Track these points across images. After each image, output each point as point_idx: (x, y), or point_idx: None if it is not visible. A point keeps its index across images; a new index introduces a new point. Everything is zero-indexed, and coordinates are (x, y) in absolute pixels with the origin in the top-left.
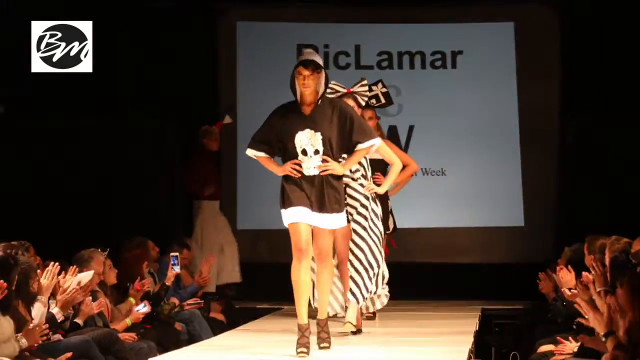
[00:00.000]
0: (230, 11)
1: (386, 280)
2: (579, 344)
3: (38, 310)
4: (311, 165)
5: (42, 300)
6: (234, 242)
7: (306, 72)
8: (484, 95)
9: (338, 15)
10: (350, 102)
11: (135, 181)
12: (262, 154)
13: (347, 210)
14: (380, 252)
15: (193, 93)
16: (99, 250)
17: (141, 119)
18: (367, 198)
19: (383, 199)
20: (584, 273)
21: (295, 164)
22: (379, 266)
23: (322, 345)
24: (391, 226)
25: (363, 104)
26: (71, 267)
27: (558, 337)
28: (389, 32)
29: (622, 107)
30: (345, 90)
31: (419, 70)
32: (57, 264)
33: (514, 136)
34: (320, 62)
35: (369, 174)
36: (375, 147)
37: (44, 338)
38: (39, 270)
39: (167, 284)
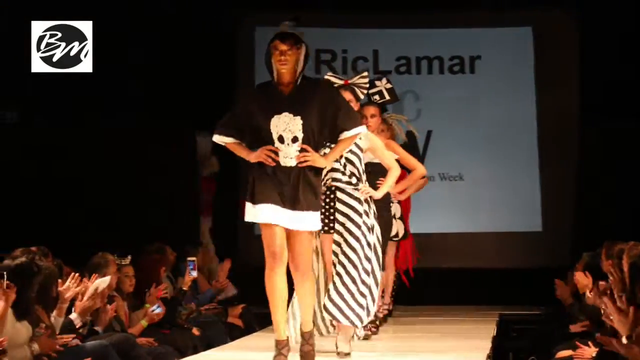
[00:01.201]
0: (249, 16)
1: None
2: (597, 349)
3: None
4: (288, 155)
5: (60, 307)
6: None
7: (283, 47)
8: (502, 100)
9: (356, 20)
10: (348, 95)
11: (152, 188)
12: (230, 140)
13: (337, 218)
14: (374, 264)
15: (210, 98)
16: (116, 256)
17: (159, 124)
18: (362, 204)
19: (384, 205)
20: (601, 282)
21: (270, 149)
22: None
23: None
24: (400, 232)
25: (362, 97)
26: (93, 275)
27: (577, 342)
28: (407, 37)
29: None
30: (342, 82)
31: (437, 75)
32: (77, 274)
33: (533, 141)
34: (301, 36)
35: (364, 177)
36: (361, 135)
37: (61, 344)
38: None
39: (184, 288)
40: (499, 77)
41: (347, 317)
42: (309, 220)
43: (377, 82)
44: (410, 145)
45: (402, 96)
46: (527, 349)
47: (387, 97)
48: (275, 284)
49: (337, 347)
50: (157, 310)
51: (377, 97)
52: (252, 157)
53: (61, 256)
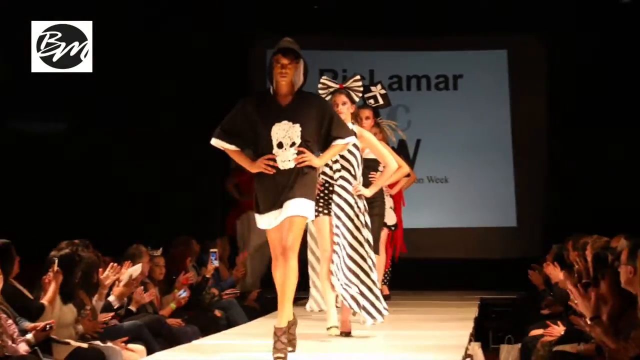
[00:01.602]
0: (260, 40)
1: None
2: (565, 328)
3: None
4: (286, 158)
5: (100, 292)
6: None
7: (285, 61)
8: (481, 113)
9: (354, 44)
10: (343, 98)
11: (181, 188)
12: (232, 147)
13: (333, 211)
14: (365, 256)
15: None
16: (149, 248)
17: (185, 136)
18: (355, 200)
19: (377, 200)
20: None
21: (269, 159)
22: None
23: (276, 355)
24: (391, 222)
25: (357, 99)
26: (125, 262)
27: (547, 322)
28: (399, 59)
29: (600, 124)
30: (337, 86)
31: (425, 91)
32: (115, 263)
33: (508, 148)
34: (299, 50)
35: (359, 173)
36: (351, 144)
37: (102, 326)
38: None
39: (207, 276)
40: (478, 93)
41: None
42: (299, 206)
43: (372, 88)
44: (402, 152)
45: (394, 109)
46: (504, 328)
47: (381, 102)
48: (279, 277)
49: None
50: (184, 295)
51: (371, 101)
52: (254, 167)
53: (100, 248)
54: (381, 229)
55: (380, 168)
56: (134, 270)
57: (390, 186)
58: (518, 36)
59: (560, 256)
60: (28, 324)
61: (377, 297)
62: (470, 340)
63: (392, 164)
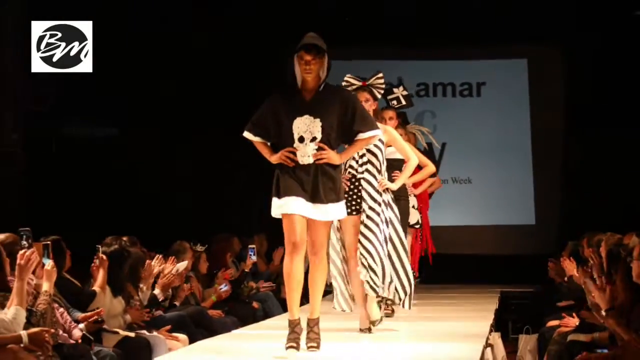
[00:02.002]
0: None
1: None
2: (579, 320)
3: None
4: (307, 153)
5: (147, 282)
6: None
7: (308, 57)
8: (502, 118)
9: (385, 54)
10: (366, 95)
11: (223, 185)
12: (258, 139)
13: (359, 205)
14: (383, 252)
15: None
16: (196, 244)
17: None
18: (380, 195)
19: (403, 194)
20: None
21: (290, 151)
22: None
23: (309, 345)
24: (413, 221)
25: (379, 96)
26: (170, 257)
27: (563, 314)
28: (425, 67)
29: (614, 130)
30: (360, 83)
31: (450, 98)
32: (160, 256)
33: (527, 151)
34: (324, 46)
35: (384, 168)
36: (377, 138)
37: (148, 316)
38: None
39: (246, 270)
40: (500, 99)
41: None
42: (329, 212)
43: (395, 89)
44: (429, 154)
45: (421, 115)
46: (523, 319)
47: (404, 103)
48: (293, 270)
49: (360, 324)
50: (224, 288)
51: (394, 102)
52: (274, 158)
53: (147, 244)
54: (405, 229)
55: (404, 167)
56: (181, 265)
57: (415, 185)
58: (537, 46)
59: (575, 252)
60: (79, 314)
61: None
62: (490, 331)
63: (414, 158)
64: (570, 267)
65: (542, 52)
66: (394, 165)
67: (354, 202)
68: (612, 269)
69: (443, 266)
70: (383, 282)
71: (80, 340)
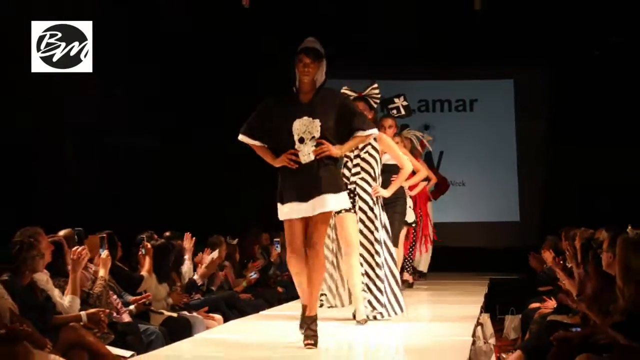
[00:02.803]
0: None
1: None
2: (557, 303)
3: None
4: (307, 152)
5: (187, 266)
6: None
7: (307, 60)
8: (492, 130)
9: (388, 74)
10: (362, 105)
11: (254, 186)
12: (257, 143)
13: (353, 205)
14: (383, 256)
15: None
16: (227, 238)
17: None
18: (374, 201)
19: (400, 197)
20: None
21: (292, 154)
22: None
23: (307, 342)
24: (410, 220)
25: (375, 105)
26: (206, 249)
27: (544, 297)
28: (425, 86)
29: (589, 141)
30: (357, 94)
31: (447, 112)
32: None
33: (513, 159)
34: (322, 50)
35: (378, 173)
36: (373, 136)
37: (188, 300)
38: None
39: (272, 260)
40: (490, 114)
41: (382, 307)
42: (329, 202)
43: (396, 99)
44: (429, 161)
45: (422, 127)
46: (508, 302)
47: (403, 112)
48: (295, 268)
49: (354, 316)
50: (254, 276)
51: (394, 111)
52: (277, 162)
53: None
54: (402, 226)
55: (400, 173)
56: (213, 255)
57: (411, 188)
58: (522, 69)
59: (554, 245)
60: (130, 297)
61: (380, 291)
62: (481, 312)
63: (407, 166)
64: (549, 257)
65: (526, 75)
66: (391, 170)
67: (350, 201)
68: (585, 259)
69: (442, 257)
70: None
71: (130, 319)
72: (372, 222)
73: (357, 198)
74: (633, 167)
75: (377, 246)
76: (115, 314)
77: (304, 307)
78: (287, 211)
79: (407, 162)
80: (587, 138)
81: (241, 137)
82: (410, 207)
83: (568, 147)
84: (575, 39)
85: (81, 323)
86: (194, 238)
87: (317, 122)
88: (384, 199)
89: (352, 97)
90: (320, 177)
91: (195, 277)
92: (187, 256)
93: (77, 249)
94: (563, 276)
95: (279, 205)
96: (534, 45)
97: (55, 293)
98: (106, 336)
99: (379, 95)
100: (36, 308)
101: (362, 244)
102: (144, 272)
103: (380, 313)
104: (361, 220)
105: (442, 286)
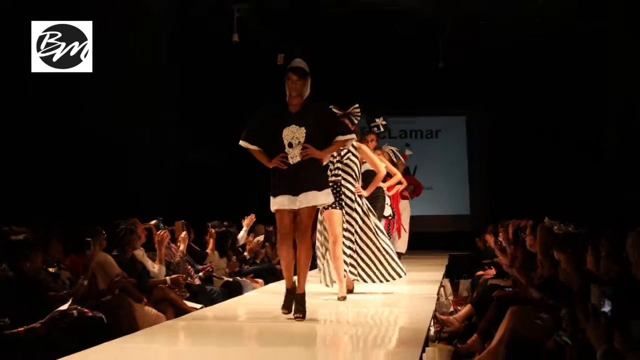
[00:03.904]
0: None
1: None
2: (495, 271)
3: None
4: (295, 155)
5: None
6: None
7: (294, 77)
8: (450, 151)
9: (373, 112)
10: (346, 121)
11: None
12: (255, 147)
13: (340, 202)
14: (373, 237)
15: None
16: (266, 225)
17: None
18: (354, 199)
19: (379, 196)
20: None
21: (282, 156)
22: (379, 249)
23: (296, 315)
24: (387, 213)
25: (356, 122)
26: (251, 234)
27: (486, 267)
28: (405, 121)
29: (520, 162)
30: (341, 112)
31: (419, 139)
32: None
33: (465, 172)
34: (307, 69)
35: (358, 174)
36: (352, 141)
37: (239, 269)
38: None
39: None
40: (449, 140)
41: (379, 276)
42: (315, 198)
43: (377, 119)
44: (408, 173)
45: (403, 148)
46: (462, 271)
47: (382, 130)
48: (284, 254)
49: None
50: None
51: (375, 128)
52: (270, 163)
53: (240, 226)
54: (381, 218)
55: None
56: (258, 238)
57: (389, 189)
58: (471, 109)
59: (493, 231)
60: (200, 267)
61: (393, 259)
62: (443, 277)
63: (382, 170)
64: (490, 240)
65: (475, 112)
66: (372, 175)
67: (335, 200)
68: (515, 241)
69: (416, 239)
70: (370, 269)
71: (199, 282)
72: (354, 210)
73: (342, 189)
74: (548, 176)
75: (358, 227)
76: (189, 279)
77: (288, 290)
78: (278, 203)
79: (382, 167)
80: (517, 160)
81: (241, 143)
82: (388, 204)
83: (508, 163)
84: (510, 90)
85: (166, 285)
86: (252, 214)
87: (303, 130)
88: (368, 197)
89: (337, 114)
90: (307, 176)
91: (245, 253)
92: (244, 229)
93: (160, 232)
94: (499, 253)
95: (271, 198)
96: (481, 93)
97: (149, 264)
98: (183, 294)
99: (359, 114)
100: (136, 274)
101: (348, 223)
102: (208, 250)
103: (362, 277)
104: (347, 205)
105: (415, 260)
